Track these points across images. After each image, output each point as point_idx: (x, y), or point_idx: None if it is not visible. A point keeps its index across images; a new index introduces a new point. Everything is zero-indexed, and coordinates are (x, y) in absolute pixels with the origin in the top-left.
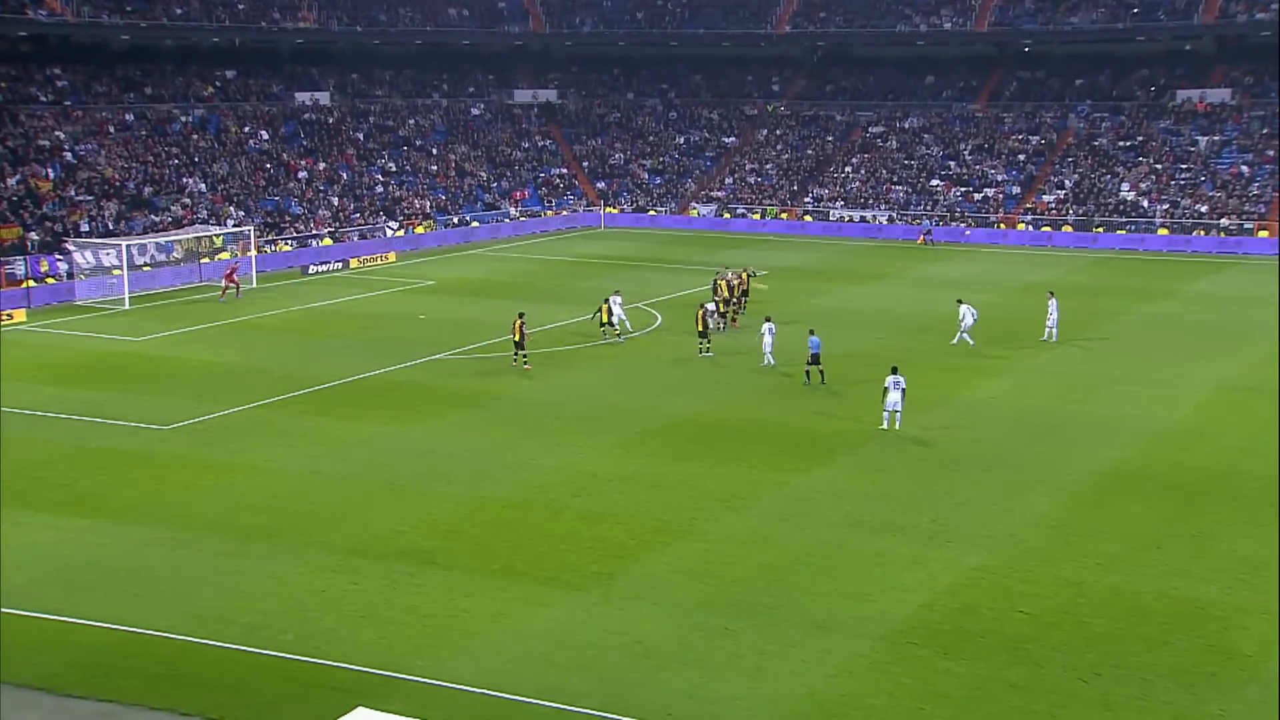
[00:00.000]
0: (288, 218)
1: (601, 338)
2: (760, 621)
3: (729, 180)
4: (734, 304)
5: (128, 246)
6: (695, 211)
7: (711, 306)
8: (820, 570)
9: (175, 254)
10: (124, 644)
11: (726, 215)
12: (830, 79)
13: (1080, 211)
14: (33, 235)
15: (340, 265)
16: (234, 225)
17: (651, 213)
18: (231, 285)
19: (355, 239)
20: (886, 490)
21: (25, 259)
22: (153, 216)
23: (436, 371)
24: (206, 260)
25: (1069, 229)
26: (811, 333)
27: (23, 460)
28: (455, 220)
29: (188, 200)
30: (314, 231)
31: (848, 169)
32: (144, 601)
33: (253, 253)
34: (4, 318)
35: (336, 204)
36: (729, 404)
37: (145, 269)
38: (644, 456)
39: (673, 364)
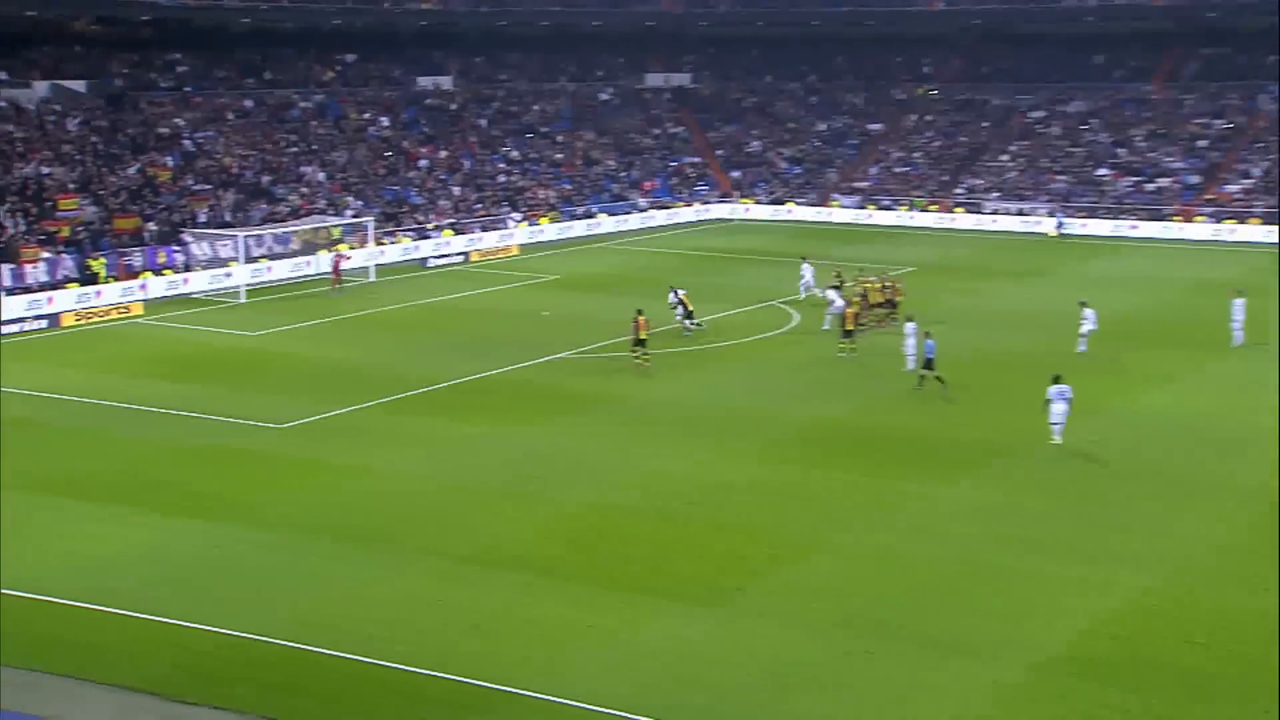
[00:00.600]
0: (407, 208)
1: (698, 330)
2: (902, 644)
3: (874, 170)
4: (886, 310)
5: (244, 238)
6: (836, 204)
7: (841, 303)
8: (968, 591)
9: (292, 245)
10: (235, 649)
11: (870, 208)
12: (987, 59)
13: (1270, 203)
14: (150, 226)
15: (460, 258)
16: (352, 215)
17: (789, 205)
18: (337, 279)
19: (476, 231)
20: (1042, 506)
21: (143, 250)
22: (270, 206)
23: (558, 371)
24: (325, 252)
25: (1256, 222)
26: (928, 335)
27: (136, 458)
28: (581, 212)
29: (305, 189)
30: (434, 222)
31: (1004, 157)
32: (255, 606)
33: (370, 244)
34: (122, 311)
35: (457, 194)
36: (869, 409)
37: (262, 261)
38: (777, 464)
39: (808, 365)
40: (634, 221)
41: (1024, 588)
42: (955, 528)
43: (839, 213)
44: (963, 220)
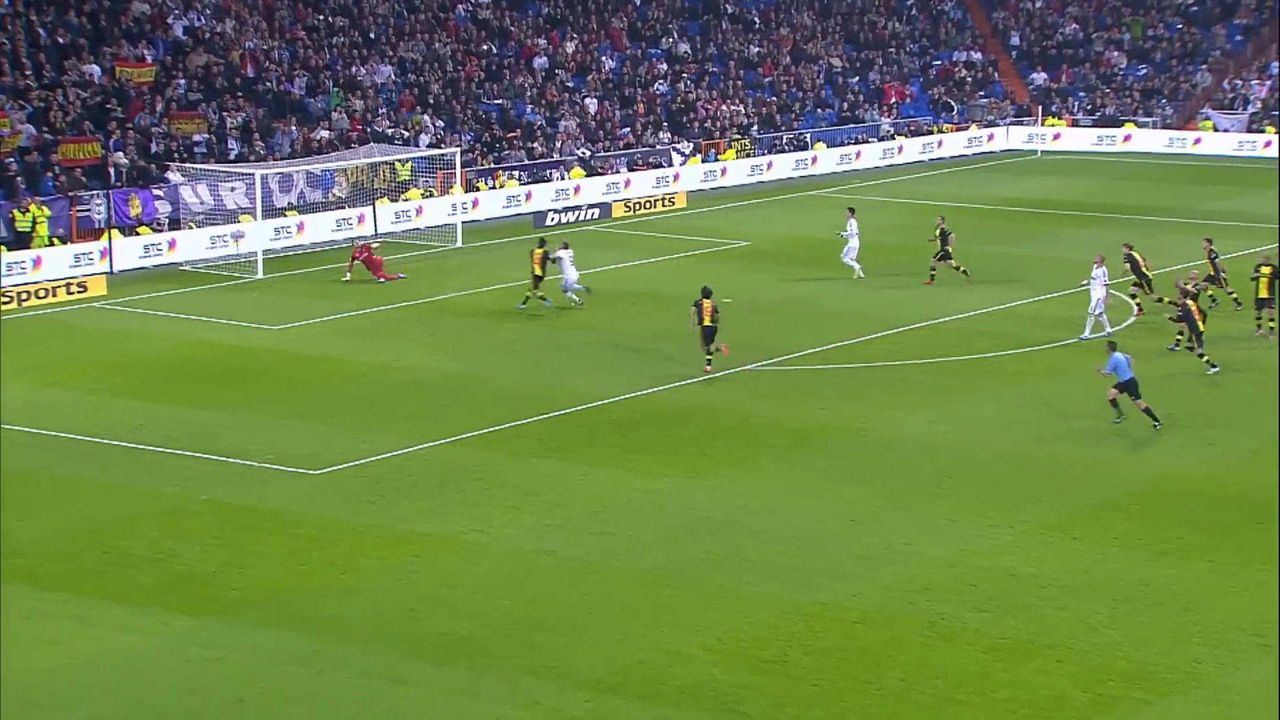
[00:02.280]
0: (515, 133)
1: (540, 306)
2: None
3: (1275, 69)
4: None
5: (263, 178)
6: (1208, 125)
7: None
8: None
9: (336, 191)
10: None
11: (1269, 130)
12: None
13: None
14: (119, 157)
15: (595, 212)
16: (429, 144)
17: (1127, 128)
18: (358, 265)
19: (621, 169)
20: None
21: (108, 195)
22: (304, 129)
23: (746, 391)
24: (386, 201)
25: None
26: (1113, 347)
27: (97, 518)
28: (786, 140)
29: (359, 103)
30: (556, 155)
31: None
32: None
33: (457, 190)
34: (74, 289)
35: (594, 111)
36: (1255, 459)
37: (289, 215)
38: (1100, 546)
39: (1152, 384)
40: (870, 155)
41: None
42: None
43: (1211, 140)
44: None
